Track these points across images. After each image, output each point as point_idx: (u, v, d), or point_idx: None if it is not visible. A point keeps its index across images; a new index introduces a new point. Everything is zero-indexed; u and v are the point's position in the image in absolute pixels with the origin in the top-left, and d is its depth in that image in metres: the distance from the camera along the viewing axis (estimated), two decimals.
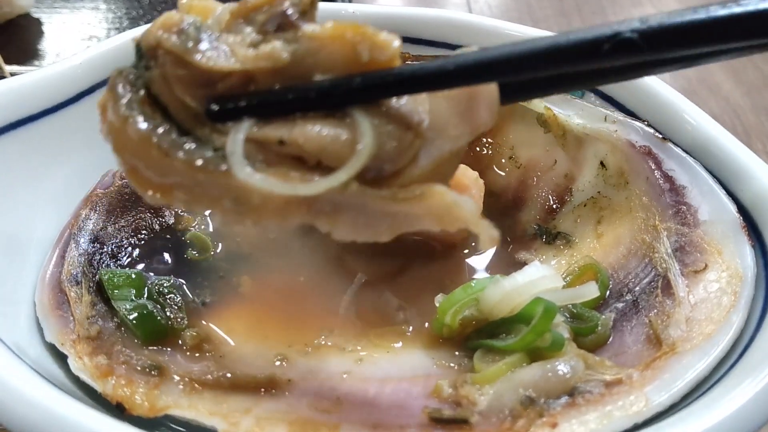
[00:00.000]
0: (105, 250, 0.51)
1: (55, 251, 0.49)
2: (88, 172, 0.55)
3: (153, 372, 0.43)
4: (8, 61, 0.88)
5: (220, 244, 0.55)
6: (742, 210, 0.49)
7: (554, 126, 0.57)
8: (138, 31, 0.59)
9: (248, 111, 0.35)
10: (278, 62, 0.35)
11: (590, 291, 0.47)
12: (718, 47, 0.33)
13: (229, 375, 0.43)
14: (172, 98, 0.36)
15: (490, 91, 0.38)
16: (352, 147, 0.35)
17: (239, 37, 0.37)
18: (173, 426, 0.41)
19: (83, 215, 0.52)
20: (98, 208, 0.53)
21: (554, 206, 0.58)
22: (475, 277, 0.55)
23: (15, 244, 0.49)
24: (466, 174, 0.52)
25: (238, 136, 0.35)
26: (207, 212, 0.55)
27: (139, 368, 0.43)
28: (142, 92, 0.36)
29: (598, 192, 0.56)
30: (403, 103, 0.36)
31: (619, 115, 0.56)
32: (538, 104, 0.57)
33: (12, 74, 0.86)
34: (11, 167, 0.50)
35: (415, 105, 0.37)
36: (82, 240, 0.51)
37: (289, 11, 0.36)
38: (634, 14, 1.28)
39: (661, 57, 0.34)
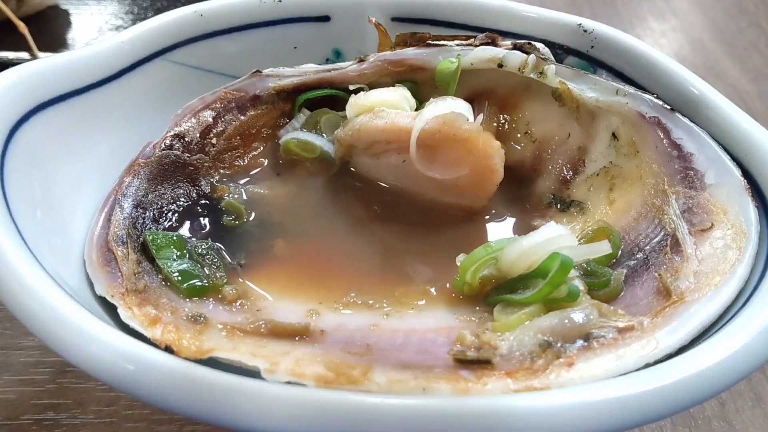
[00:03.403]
0: (147, 214, 0.55)
1: (101, 214, 0.53)
2: (129, 144, 0.58)
3: (198, 319, 0.46)
4: (41, 49, 0.92)
5: (252, 213, 0.58)
6: (746, 174, 0.52)
7: (568, 99, 0.60)
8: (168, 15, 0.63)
9: None
10: None
11: (603, 248, 0.50)
12: None
13: (267, 323, 0.47)
14: None
15: None
16: None
17: None
18: None
19: (126, 182, 0.55)
20: (140, 176, 0.56)
21: (568, 177, 0.61)
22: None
23: (63, 207, 0.52)
24: (490, 143, 0.55)
25: None
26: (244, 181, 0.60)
27: (184, 317, 0.47)
28: None
29: (610, 162, 0.59)
30: None
31: (630, 89, 0.59)
32: (553, 79, 0.60)
33: None
34: (60, 136, 0.54)
35: None
36: (126, 204, 0.54)
37: None
38: (644, 6, 1.32)
39: None
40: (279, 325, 0.47)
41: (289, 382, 0.41)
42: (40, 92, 0.52)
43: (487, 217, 0.60)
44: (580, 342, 0.44)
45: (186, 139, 0.60)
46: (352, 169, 0.63)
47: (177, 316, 0.47)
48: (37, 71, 0.53)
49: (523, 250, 0.49)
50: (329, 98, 0.66)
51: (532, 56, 0.61)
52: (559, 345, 0.44)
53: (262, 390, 0.37)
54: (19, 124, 0.49)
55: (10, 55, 0.90)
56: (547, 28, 0.66)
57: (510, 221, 0.60)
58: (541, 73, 0.61)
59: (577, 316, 0.45)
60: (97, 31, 1.04)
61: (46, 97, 0.53)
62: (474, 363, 0.43)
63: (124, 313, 0.46)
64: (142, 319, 0.46)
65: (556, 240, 0.49)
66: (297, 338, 0.47)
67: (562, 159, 0.62)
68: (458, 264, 0.51)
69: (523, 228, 0.59)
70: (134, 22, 1.06)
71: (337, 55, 0.72)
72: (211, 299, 0.50)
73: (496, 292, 0.50)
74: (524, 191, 0.62)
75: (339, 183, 0.63)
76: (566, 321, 0.45)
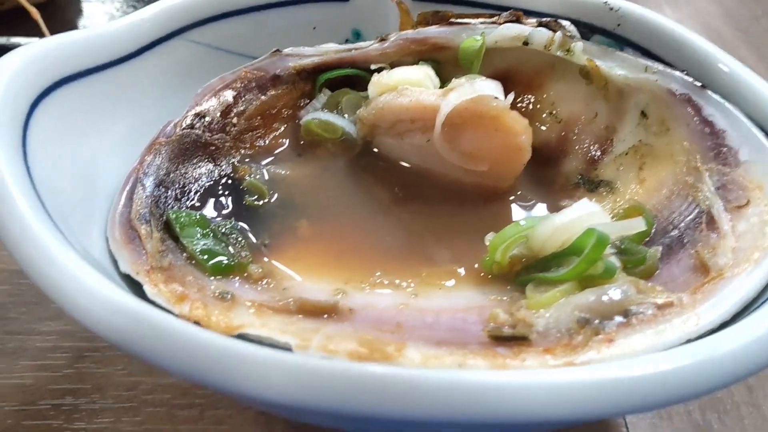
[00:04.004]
0: (169, 193, 0.54)
1: (123, 192, 0.52)
2: (149, 122, 0.57)
3: (225, 297, 0.45)
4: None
5: (275, 193, 0.57)
6: None
7: (596, 77, 0.59)
8: None
9: None
10: None
11: (637, 224, 0.48)
12: None
13: (295, 301, 0.46)
14: None
15: None
16: None
17: None
18: None
19: (148, 161, 0.54)
20: (161, 155, 0.55)
21: (596, 157, 0.60)
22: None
23: (85, 183, 0.51)
24: (517, 120, 0.54)
25: None
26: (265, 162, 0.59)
27: (211, 294, 0.46)
28: None
29: (639, 140, 0.58)
30: None
31: (659, 66, 0.58)
32: (580, 57, 0.59)
33: None
34: (81, 113, 0.53)
35: None
36: (147, 183, 0.53)
37: None
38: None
39: None
40: (308, 303, 0.46)
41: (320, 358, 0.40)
42: (60, 68, 0.51)
43: (512, 198, 0.59)
44: (618, 318, 0.43)
45: (207, 119, 0.58)
46: (375, 149, 0.62)
47: (204, 293, 0.46)
48: (58, 46, 0.52)
49: (556, 228, 0.48)
50: (350, 79, 0.65)
51: (559, 34, 0.60)
52: (597, 322, 0.43)
53: (296, 362, 0.35)
54: (40, 98, 0.48)
55: (22, 41, 0.89)
56: (572, 7, 0.65)
57: (536, 202, 0.58)
58: (567, 50, 0.60)
59: (615, 292, 0.44)
60: (108, 18, 1.03)
61: (67, 73, 0.51)
62: (510, 340, 0.42)
63: (150, 290, 0.45)
64: (169, 296, 0.45)
65: (589, 217, 0.48)
66: (325, 316, 0.46)
67: (590, 139, 0.61)
68: (487, 243, 0.50)
69: (550, 209, 0.57)
70: None
71: (357, 36, 0.70)
72: (236, 278, 0.49)
73: (526, 272, 0.49)
74: (550, 172, 0.61)
75: (361, 163, 0.61)
76: (604, 297, 0.44)
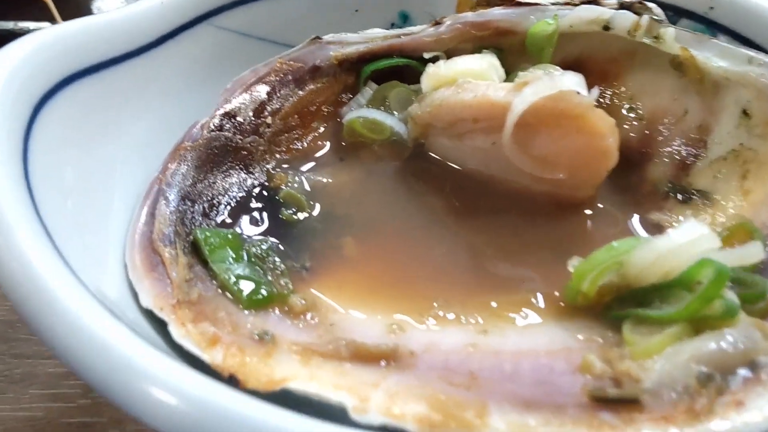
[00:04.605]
0: (196, 208, 0.46)
1: (143, 207, 0.45)
2: (170, 121, 0.51)
3: (264, 338, 0.38)
4: (64, 20, 0.84)
5: (317, 205, 0.50)
6: None
7: (692, 69, 0.51)
8: None
9: None
10: None
11: (755, 252, 0.40)
12: None
13: (348, 344, 0.38)
14: None
15: None
16: None
17: None
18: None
19: (171, 169, 0.47)
20: (187, 162, 0.48)
21: (687, 161, 0.52)
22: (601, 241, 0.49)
23: (98, 196, 0.44)
24: (603, 120, 0.46)
25: None
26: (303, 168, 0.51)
27: (248, 335, 0.38)
28: None
29: (741, 144, 0.50)
30: None
31: (765, 57, 0.49)
32: (672, 45, 0.51)
33: None
34: (93, 114, 0.45)
35: None
36: (171, 196, 0.46)
37: None
38: None
39: None
40: (363, 348, 0.38)
41: (383, 427, 0.33)
42: (69, 61, 0.44)
43: (589, 211, 0.51)
44: (743, 372, 0.35)
45: (238, 119, 0.51)
46: (429, 152, 0.54)
47: (239, 334, 0.38)
48: (66, 36, 0.44)
49: (659, 254, 0.40)
50: (397, 70, 0.57)
51: (645, 17, 0.51)
52: (718, 377, 0.35)
53: None
54: (46, 99, 0.41)
55: (31, 25, 0.82)
56: None
57: (620, 215, 0.50)
58: (656, 37, 0.51)
59: (737, 339, 0.36)
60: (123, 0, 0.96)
61: (77, 67, 0.44)
62: (616, 402, 0.34)
63: (176, 332, 0.38)
64: (199, 339, 0.37)
65: (700, 242, 0.40)
66: (383, 362, 0.38)
67: (679, 139, 0.53)
68: (571, 270, 0.42)
69: (638, 223, 0.49)
70: None
71: (404, 19, 0.63)
72: (275, 310, 0.42)
73: (620, 305, 0.41)
74: (633, 178, 0.53)
75: (413, 169, 0.54)
76: (724, 345, 0.36)
